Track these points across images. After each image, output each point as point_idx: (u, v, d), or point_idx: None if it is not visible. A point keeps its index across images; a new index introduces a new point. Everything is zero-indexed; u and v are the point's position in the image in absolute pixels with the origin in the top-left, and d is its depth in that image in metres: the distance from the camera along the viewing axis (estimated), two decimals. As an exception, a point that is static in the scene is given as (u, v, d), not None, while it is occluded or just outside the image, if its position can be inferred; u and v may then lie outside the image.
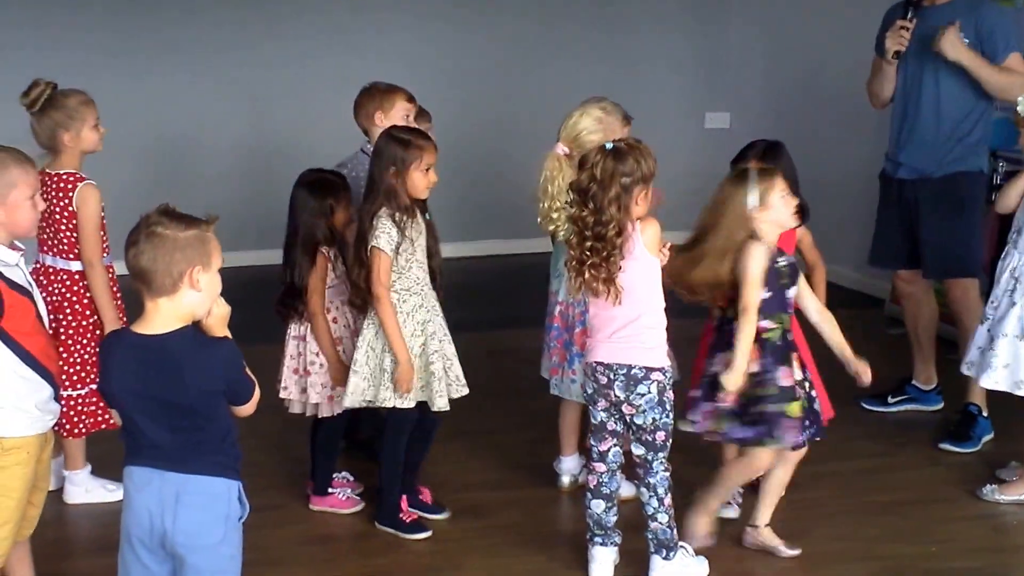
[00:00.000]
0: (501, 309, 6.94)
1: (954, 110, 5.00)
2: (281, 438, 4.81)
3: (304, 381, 4.26)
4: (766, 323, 3.77)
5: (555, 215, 4.25)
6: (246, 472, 3.00)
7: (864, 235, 5.62)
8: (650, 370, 3.69)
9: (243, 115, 7.71)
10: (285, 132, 7.66)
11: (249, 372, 2.94)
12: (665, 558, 3.80)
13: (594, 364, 3.76)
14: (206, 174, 7.52)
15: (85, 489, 4.39)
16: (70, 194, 4.18)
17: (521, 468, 4.72)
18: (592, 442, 3.85)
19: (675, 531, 3.81)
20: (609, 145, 3.66)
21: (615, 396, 3.72)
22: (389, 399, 4.04)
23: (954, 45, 4.81)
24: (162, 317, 2.85)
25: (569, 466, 4.54)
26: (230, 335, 2.93)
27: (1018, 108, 4.33)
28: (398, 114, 4.59)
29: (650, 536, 3.81)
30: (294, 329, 4.28)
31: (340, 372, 4.18)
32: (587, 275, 3.66)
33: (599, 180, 3.61)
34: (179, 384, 2.83)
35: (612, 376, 3.72)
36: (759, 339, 3.76)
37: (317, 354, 4.23)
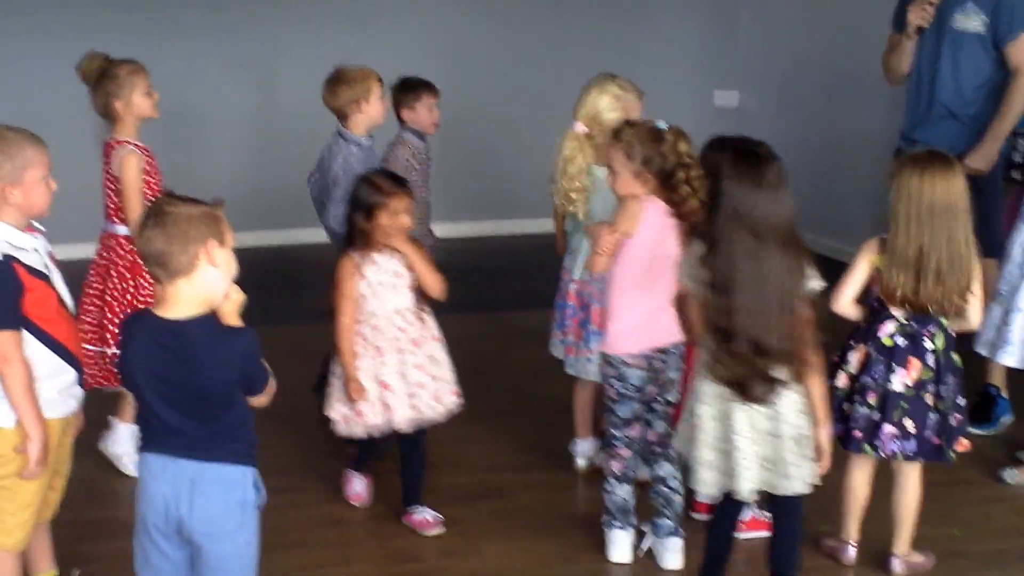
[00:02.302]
0: (511, 288, 6.92)
1: (971, 88, 4.96)
2: (294, 419, 4.79)
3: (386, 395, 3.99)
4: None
5: (575, 195, 4.21)
6: (260, 454, 2.97)
7: (876, 213, 5.58)
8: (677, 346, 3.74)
9: (252, 96, 7.67)
10: (294, 113, 7.61)
11: (265, 363, 2.90)
12: (682, 536, 3.83)
13: (650, 352, 3.71)
14: (214, 154, 7.49)
15: (121, 442, 4.48)
16: (113, 159, 4.32)
17: (536, 450, 4.70)
18: (618, 431, 3.81)
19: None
20: (662, 124, 3.64)
21: (664, 378, 3.73)
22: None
23: (978, 161, 4.82)
24: (183, 301, 2.81)
25: (584, 449, 4.51)
26: (242, 323, 2.88)
27: None
28: (376, 99, 4.65)
29: (669, 516, 3.81)
30: None
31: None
32: None
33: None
34: (196, 371, 2.80)
35: (665, 360, 3.73)
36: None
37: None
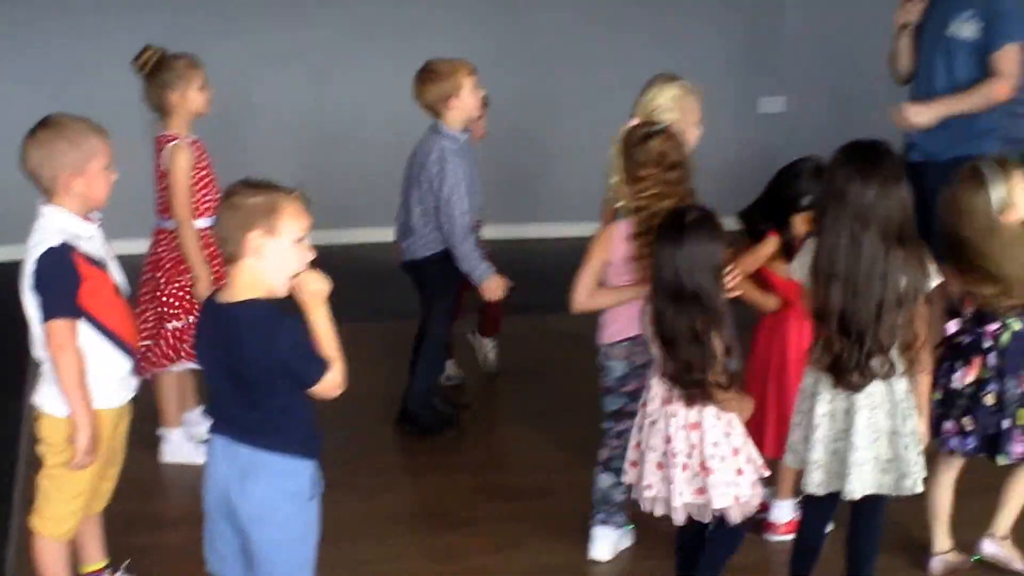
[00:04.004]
0: (548, 291, 6.87)
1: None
2: (347, 413, 4.80)
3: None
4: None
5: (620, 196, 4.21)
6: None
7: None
8: None
9: (305, 94, 7.71)
10: (347, 113, 7.66)
11: (329, 352, 2.88)
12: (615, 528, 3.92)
13: (632, 339, 3.70)
14: (265, 153, 7.53)
15: (176, 449, 4.57)
16: (163, 154, 4.34)
17: (580, 450, 4.67)
18: (606, 422, 3.83)
19: None
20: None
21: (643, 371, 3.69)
22: None
23: (916, 114, 4.78)
24: (238, 285, 2.84)
25: None
26: (324, 312, 2.88)
27: None
28: (468, 93, 4.61)
29: (621, 521, 3.91)
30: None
31: None
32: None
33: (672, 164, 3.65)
34: (240, 355, 2.82)
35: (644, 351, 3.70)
36: None
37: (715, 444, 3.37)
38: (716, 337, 3.24)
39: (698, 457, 3.31)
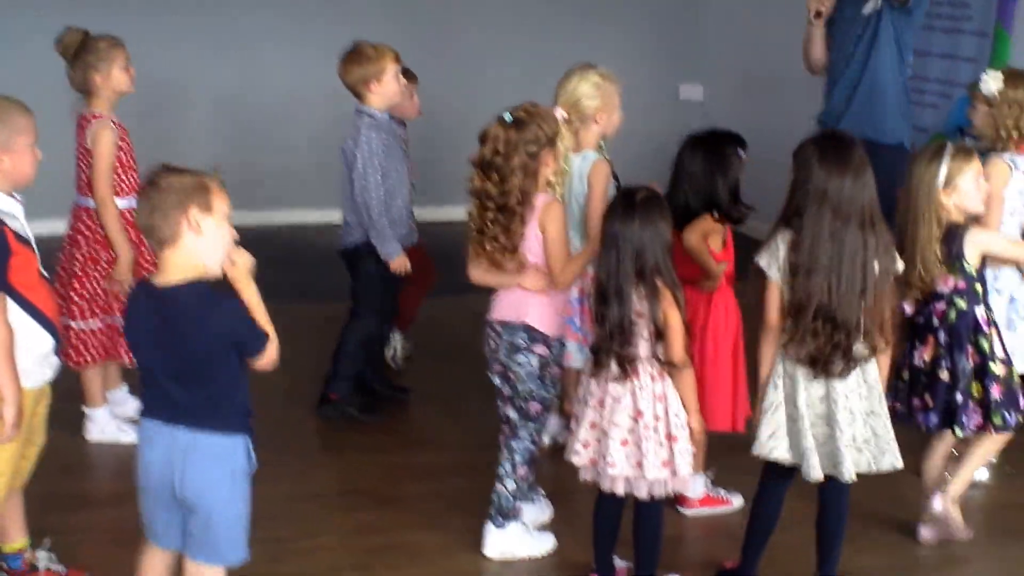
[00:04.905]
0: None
1: (871, 80, 5.09)
2: (274, 394, 4.86)
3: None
4: None
5: (554, 178, 4.28)
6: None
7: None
8: (534, 340, 3.71)
9: (232, 76, 7.68)
10: (274, 95, 7.65)
11: (264, 325, 2.95)
12: (499, 525, 3.86)
13: (488, 323, 3.78)
14: (192, 134, 7.50)
15: (101, 428, 4.56)
16: (87, 132, 4.37)
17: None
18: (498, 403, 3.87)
19: (517, 503, 3.86)
20: (508, 117, 3.65)
21: (501, 359, 3.76)
22: None
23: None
24: (173, 268, 2.88)
25: (551, 427, 4.59)
26: (254, 287, 2.94)
27: (980, 86, 4.24)
28: (390, 78, 4.64)
29: (493, 498, 3.88)
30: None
31: None
32: (488, 247, 3.66)
33: (503, 152, 3.60)
34: (187, 337, 2.86)
35: (499, 341, 3.76)
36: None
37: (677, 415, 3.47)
38: (672, 312, 3.33)
39: (664, 428, 3.40)
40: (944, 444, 4.04)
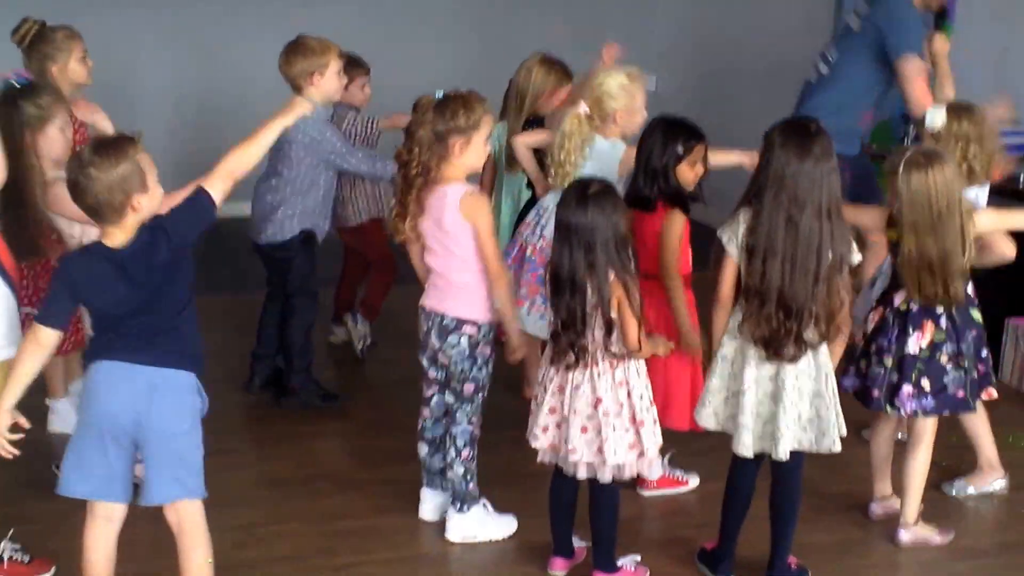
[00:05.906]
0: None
1: (825, 96, 5.09)
2: (230, 382, 4.92)
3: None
4: None
5: (567, 168, 4.39)
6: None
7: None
8: (462, 322, 3.79)
9: (186, 68, 7.66)
10: (229, 87, 7.63)
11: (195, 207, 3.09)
12: (459, 510, 3.93)
13: (420, 308, 3.88)
14: (150, 120, 7.44)
15: (63, 419, 4.50)
16: None
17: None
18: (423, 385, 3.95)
19: (471, 485, 3.91)
20: (439, 93, 3.73)
21: (432, 343, 3.84)
22: None
23: None
24: (122, 233, 3.02)
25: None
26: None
27: (926, 122, 4.09)
28: (332, 74, 4.66)
29: (446, 486, 3.97)
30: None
31: None
32: (395, 213, 3.81)
33: (417, 122, 3.74)
34: (146, 287, 3.01)
35: (430, 324, 3.84)
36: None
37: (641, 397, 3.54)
38: (624, 304, 3.39)
39: (628, 413, 3.46)
40: (888, 428, 4.09)
